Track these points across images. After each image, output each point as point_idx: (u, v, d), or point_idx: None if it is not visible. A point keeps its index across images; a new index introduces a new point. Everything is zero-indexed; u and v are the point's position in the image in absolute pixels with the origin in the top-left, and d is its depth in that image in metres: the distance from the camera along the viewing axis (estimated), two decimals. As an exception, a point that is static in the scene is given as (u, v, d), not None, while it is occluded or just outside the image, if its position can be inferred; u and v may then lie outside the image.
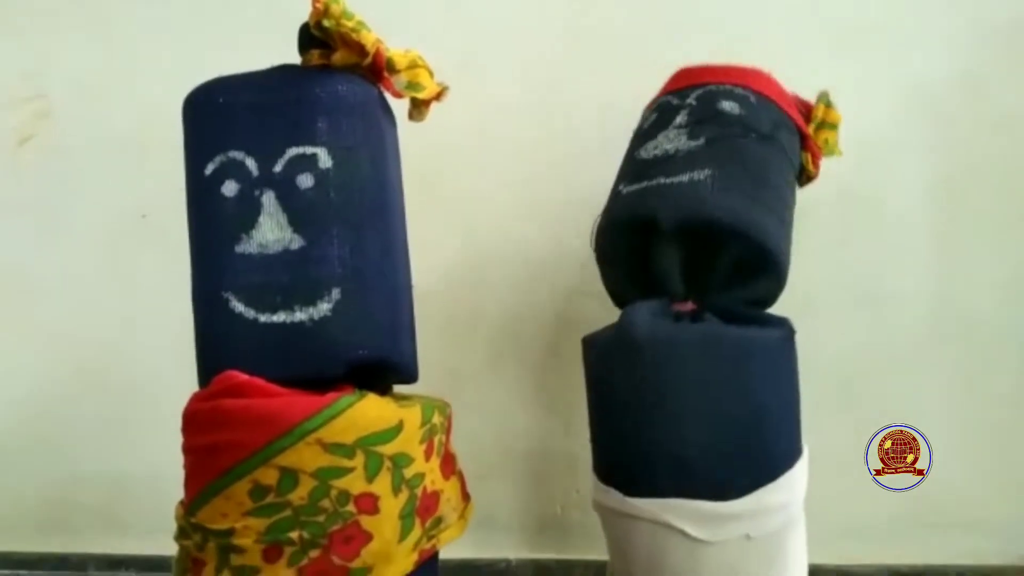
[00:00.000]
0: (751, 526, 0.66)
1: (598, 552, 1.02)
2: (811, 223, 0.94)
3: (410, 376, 0.67)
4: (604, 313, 0.91)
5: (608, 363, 0.71)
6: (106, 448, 1.01)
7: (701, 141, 0.70)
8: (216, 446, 0.59)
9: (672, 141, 0.72)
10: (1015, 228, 0.99)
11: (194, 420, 0.62)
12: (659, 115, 0.75)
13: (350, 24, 0.62)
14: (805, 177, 0.79)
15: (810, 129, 0.79)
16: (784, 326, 0.68)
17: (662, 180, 0.69)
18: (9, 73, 0.98)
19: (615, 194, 0.74)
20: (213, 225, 0.62)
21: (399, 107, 0.71)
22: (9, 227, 0.99)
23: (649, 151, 0.73)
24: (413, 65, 0.66)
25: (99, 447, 1.01)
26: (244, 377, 0.59)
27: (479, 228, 0.98)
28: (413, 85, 0.67)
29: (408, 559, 0.62)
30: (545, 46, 0.98)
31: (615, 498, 0.70)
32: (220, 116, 0.64)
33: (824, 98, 0.80)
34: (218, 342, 0.62)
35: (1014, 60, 0.98)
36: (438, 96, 0.69)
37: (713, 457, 0.66)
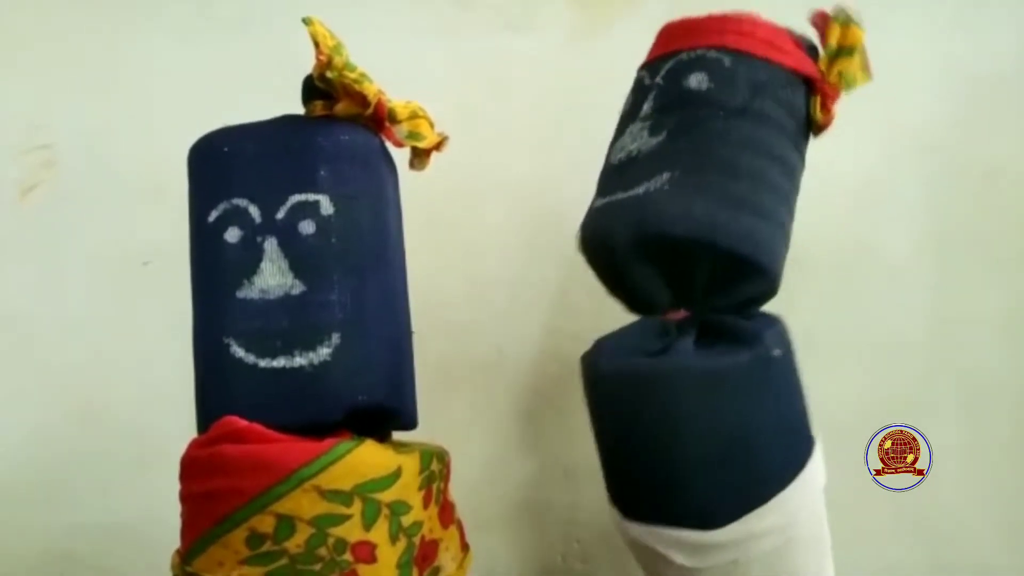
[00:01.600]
0: (739, 552, 0.65)
1: None
2: (807, 269, 0.94)
3: (410, 422, 0.67)
4: None
5: (588, 389, 0.71)
6: (105, 497, 1.00)
7: (663, 137, 0.68)
8: (213, 493, 0.59)
9: (635, 139, 0.69)
10: (1009, 273, 1.00)
11: (192, 467, 0.61)
12: (632, 99, 0.73)
13: (352, 76, 0.63)
14: (816, 127, 0.73)
15: (822, 64, 0.71)
16: (760, 344, 0.64)
17: (620, 195, 0.67)
18: (15, 123, 0.99)
19: (589, 208, 0.72)
20: (216, 271, 0.63)
21: (400, 157, 0.72)
22: (12, 274, 0.99)
23: (616, 154, 0.71)
24: (414, 116, 0.68)
25: (98, 495, 1.00)
26: (243, 423, 0.59)
27: (477, 273, 0.99)
28: (414, 135, 0.68)
29: (405, 609, 0.61)
30: (543, 91, 0.99)
31: (618, 519, 0.71)
32: (224, 164, 0.65)
33: (841, 16, 0.71)
34: (218, 387, 0.62)
35: (1001, 112, 1.00)
36: (438, 146, 0.70)
37: (693, 486, 0.65)
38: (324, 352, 0.61)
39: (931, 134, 1.00)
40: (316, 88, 0.65)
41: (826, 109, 0.71)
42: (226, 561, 0.58)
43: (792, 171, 0.70)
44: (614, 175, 0.70)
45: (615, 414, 0.68)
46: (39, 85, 1.00)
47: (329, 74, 0.63)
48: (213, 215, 0.64)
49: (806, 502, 0.67)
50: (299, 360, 0.61)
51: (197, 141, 0.68)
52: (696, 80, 0.68)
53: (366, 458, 0.60)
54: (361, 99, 0.64)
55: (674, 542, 0.66)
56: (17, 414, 1.00)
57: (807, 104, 0.71)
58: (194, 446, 0.62)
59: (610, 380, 0.67)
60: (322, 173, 0.64)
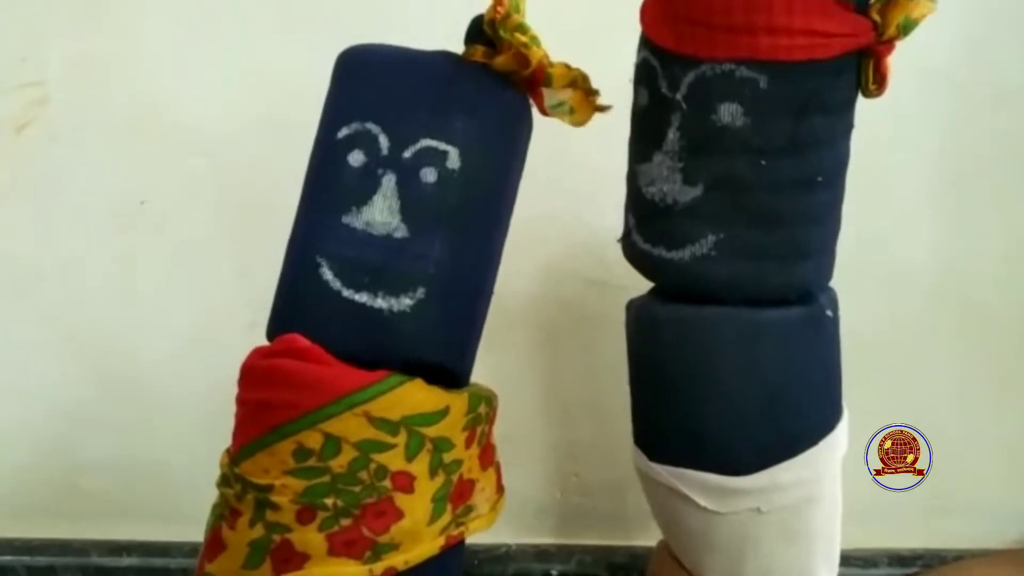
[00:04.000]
0: (762, 501, 0.66)
1: (597, 536, 1.05)
2: None
3: (463, 383, 0.67)
4: (604, 300, 0.92)
5: (633, 334, 0.72)
6: (108, 435, 1.02)
7: (699, 190, 0.62)
8: (268, 403, 0.61)
9: (668, 180, 0.64)
10: (1020, 201, 0.98)
11: (250, 375, 0.63)
12: (648, 102, 0.65)
13: (523, 39, 0.61)
14: (869, 95, 0.65)
15: (874, 13, 0.60)
16: (814, 303, 0.66)
17: (664, 253, 0.65)
18: (6, 57, 0.97)
19: (625, 225, 0.70)
20: (329, 189, 0.63)
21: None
22: (10, 213, 0.99)
23: (647, 185, 0.65)
24: (572, 85, 0.65)
25: (101, 434, 1.02)
26: (305, 343, 0.60)
27: None
28: (562, 108, 0.66)
29: (435, 542, 0.63)
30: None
31: (642, 460, 0.72)
32: (367, 84, 0.64)
33: None
34: (296, 303, 0.63)
35: (1012, 33, 0.95)
36: (589, 118, 0.68)
37: (726, 434, 0.66)
38: (406, 302, 0.61)
39: (939, 58, 0.95)
40: (481, 32, 0.63)
41: (880, 75, 0.63)
42: (272, 469, 0.60)
43: (841, 166, 0.66)
44: (652, 217, 0.66)
45: (659, 358, 0.69)
46: (28, 18, 0.97)
47: (501, 32, 0.61)
48: (343, 132, 0.63)
49: (829, 463, 0.69)
50: (380, 302, 0.61)
51: (350, 49, 0.66)
52: (728, 113, 0.61)
53: (416, 393, 0.61)
54: (523, 61, 0.62)
55: (699, 485, 0.67)
56: (17, 354, 1.02)
57: (858, 77, 0.63)
58: (255, 355, 0.63)
59: (662, 325, 0.67)
60: (459, 124, 0.63)
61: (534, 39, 0.62)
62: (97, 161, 0.99)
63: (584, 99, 0.66)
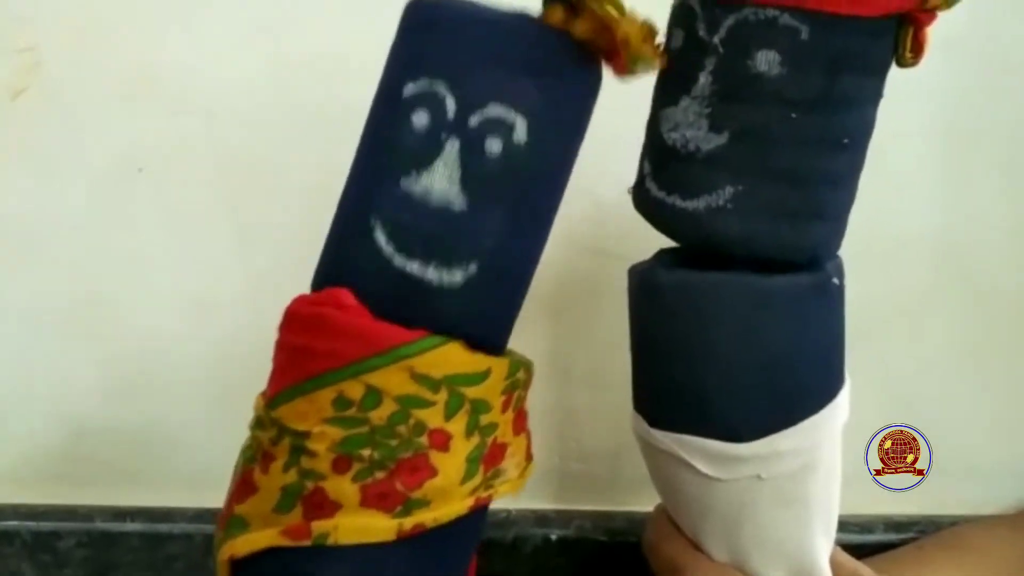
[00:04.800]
0: (762, 467, 0.66)
1: (596, 502, 1.07)
2: None
3: (497, 354, 0.65)
4: (604, 267, 0.92)
5: (635, 300, 0.71)
6: (110, 401, 1.02)
7: (724, 139, 0.61)
8: (311, 350, 0.60)
9: (693, 125, 0.62)
10: (1022, 171, 0.99)
11: (295, 319, 0.62)
12: (683, 44, 0.63)
13: (613, 11, 0.57)
14: (903, 64, 0.64)
15: None
16: (821, 270, 0.65)
17: (678, 202, 0.64)
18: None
19: (640, 172, 0.69)
20: (389, 149, 0.60)
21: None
22: (8, 180, 0.97)
23: (669, 131, 0.63)
24: (647, 38, 0.60)
25: (103, 400, 1.02)
26: (352, 300, 0.60)
27: None
28: (644, 61, 0.60)
29: (464, 502, 0.63)
30: None
31: (642, 426, 0.72)
32: (438, 40, 0.60)
33: None
34: (345, 263, 0.62)
35: None
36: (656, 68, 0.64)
37: (728, 401, 0.66)
38: (457, 276, 0.60)
39: (947, 26, 0.95)
40: None
41: (918, 44, 0.61)
42: (310, 416, 0.60)
43: (867, 132, 0.65)
44: (671, 163, 0.64)
45: (661, 325, 0.68)
46: None
47: (590, 2, 0.57)
48: (410, 89, 0.59)
49: (830, 432, 0.69)
50: (431, 273, 0.59)
51: (418, 0, 0.62)
52: (765, 61, 0.59)
53: (459, 354, 0.61)
54: (606, 31, 0.58)
55: (700, 451, 0.67)
56: (15, 321, 1.01)
57: (896, 42, 0.61)
58: (300, 302, 0.62)
59: (665, 291, 0.67)
60: (531, 95, 0.59)
61: (619, 6, 0.58)
62: (94, 126, 0.97)
63: (654, 47, 0.62)
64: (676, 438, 0.68)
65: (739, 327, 0.64)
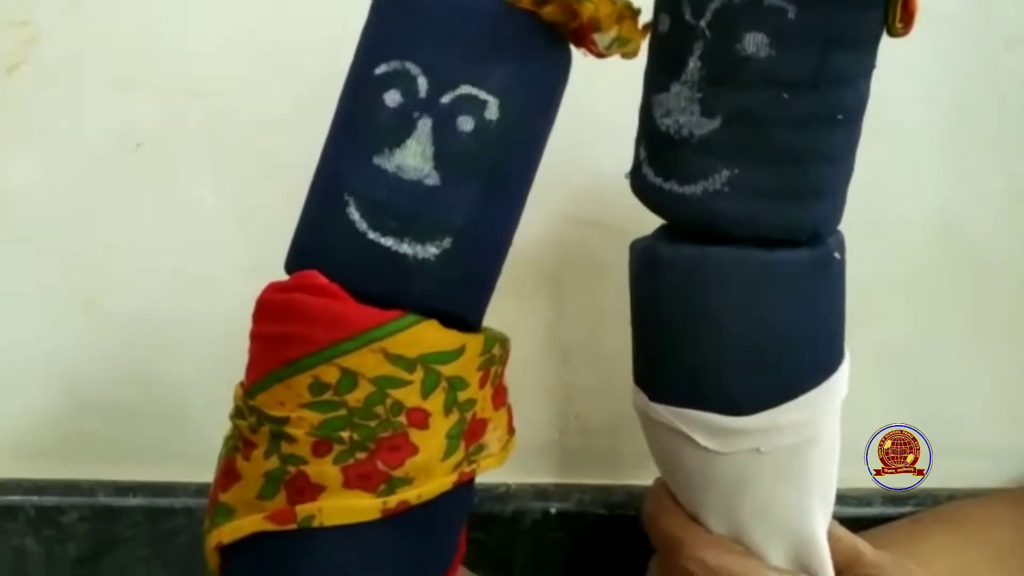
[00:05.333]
0: (762, 441, 0.66)
1: (595, 476, 1.07)
2: None
3: (475, 329, 0.66)
4: (604, 242, 0.92)
5: (636, 274, 0.71)
6: (110, 376, 1.02)
7: (717, 123, 0.60)
8: (284, 336, 0.61)
9: (685, 111, 0.61)
10: (1022, 150, 0.98)
11: (267, 308, 0.62)
12: (670, 32, 0.62)
13: None
14: (894, 33, 0.62)
15: None
16: (822, 245, 0.65)
17: (675, 187, 0.63)
18: None
19: (636, 158, 0.68)
20: (362, 127, 0.61)
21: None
22: (6, 157, 0.97)
23: (662, 117, 0.63)
24: (621, 19, 0.61)
25: (103, 375, 1.02)
26: (324, 280, 0.60)
27: None
28: (620, 41, 0.62)
29: (447, 478, 0.64)
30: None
31: (642, 399, 0.72)
32: (411, 20, 0.61)
33: None
34: (320, 240, 0.62)
35: None
36: (639, 48, 0.64)
37: (727, 374, 0.66)
38: (431, 250, 0.60)
39: (945, 3, 0.95)
40: None
41: (908, 13, 0.59)
42: (287, 402, 0.60)
43: (861, 106, 0.64)
44: (666, 149, 0.64)
45: (662, 299, 0.68)
46: None
47: None
48: (382, 68, 0.60)
49: (829, 407, 0.68)
50: (405, 247, 0.60)
51: None
52: (753, 43, 0.58)
53: (433, 333, 0.61)
54: (572, 13, 0.59)
55: (701, 424, 0.67)
56: (16, 293, 1.01)
57: (885, 12, 0.60)
58: (271, 289, 0.63)
59: (666, 265, 0.66)
60: (500, 75, 0.60)
61: None
62: (91, 103, 0.97)
63: (634, 26, 0.62)
64: (676, 411, 0.68)
65: (740, 301, 0.64)
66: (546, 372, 1.05)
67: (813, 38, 0.59)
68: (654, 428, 0.72)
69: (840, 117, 0.62)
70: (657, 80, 0.65)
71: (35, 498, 1.03)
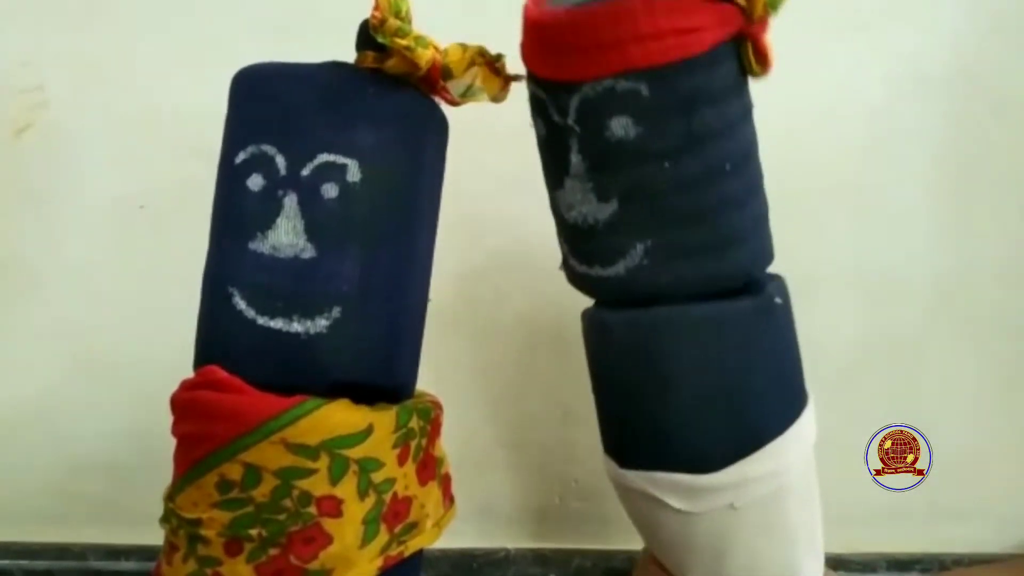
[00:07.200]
0: (734, 496, 0.65)
1: (597, 541, 1.03)
2: (812, 209, 0.92)
3: (403, 395, 0.66)
4: None
5: (589, 341, 0.71)
6: (105, 437, 1.02)
7: (615, 205, 0.61)
8: (192, 436, 0.61)
9: (584, 202, 0.63)
10: (1016, 214, 0.96)
11: (176, 408, 0.63)
12: (546, 134, 0.65)
13: (403, 43, 0.60)
14: (757, 75, 0.63)
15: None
16: (762, 293, 0.64)
17: (600, 271, 0.64)
18: (6, 61, 0.98)
19: (562, 251, 0.69)
20: (233, 217, 0.62)
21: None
22: (10, 217, 0.99)
23: (567, 211, 0.64)
24: (472, 65, 0.63)
25: (98, 437, 1.02)
26: (223, 374, 0.60)
27: (474, 216, 0.96)
28: (471, 91, 0.64)
29: (371, 564, 0.62)
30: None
31: (612, 468, 0.71)
32: (261, 105, 0.63)
33: None
34: (214, 334, 0.63)
35: (1012, 48, 0.93)
36: (506, 86, 0.66)
37: (691, 431, 0.65)
38: (321, 324, 0.60)
39: (936, 64, 0.94)
40: (370, 37, 0.61)
41: (761, 55, 0.61)
42: (200, 503, 0.60)
43: (749, 148, 0.64)
44: (580, 240, 0.65)
45: (615, 363, 0.68)
46: (28, 21, 0.98)
47: (379, 37, 0.60)
48: (240, 157, 0.62)
49: (799, 453, 0.67)
50: (296, 326, 0.60)
51: (242, 70, 0.65)
52: (619, 127, 0.60)
53: (334, 415, 0.60)
54: (412, 64, 0.61)
55: (670, 486, 0.66)
56: (16, 355, 1.03)
57: (739, 62, 0.61)
58: (180, 388, 0.63)
59: (612, 329, 0.66)
60: (356, 136, 0.61)
61: (419, 40, 0.60)
62: (97, 164, 1.00)
63: (490, 72, 0.64)
64: (646, 476, 0.67)
65: (690, 355, 0.63)
66: (546, 435, 1.03)
67: (672, 107, 0.60)
68: (629, 496, 0.71)
69: (728, 167, 0.62)
70: (552, 179, 0.67)
71: (25, 562, 1.03)
